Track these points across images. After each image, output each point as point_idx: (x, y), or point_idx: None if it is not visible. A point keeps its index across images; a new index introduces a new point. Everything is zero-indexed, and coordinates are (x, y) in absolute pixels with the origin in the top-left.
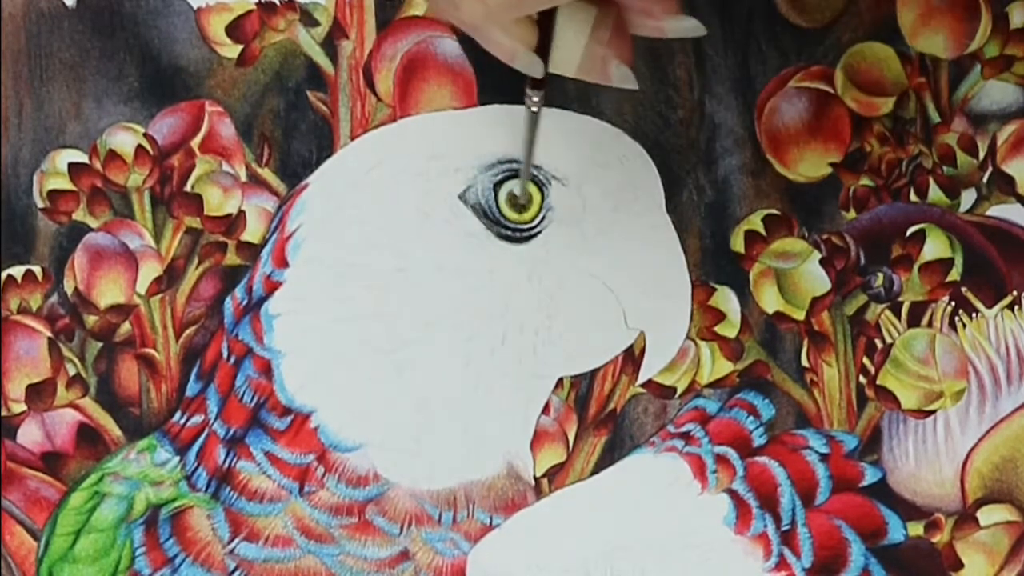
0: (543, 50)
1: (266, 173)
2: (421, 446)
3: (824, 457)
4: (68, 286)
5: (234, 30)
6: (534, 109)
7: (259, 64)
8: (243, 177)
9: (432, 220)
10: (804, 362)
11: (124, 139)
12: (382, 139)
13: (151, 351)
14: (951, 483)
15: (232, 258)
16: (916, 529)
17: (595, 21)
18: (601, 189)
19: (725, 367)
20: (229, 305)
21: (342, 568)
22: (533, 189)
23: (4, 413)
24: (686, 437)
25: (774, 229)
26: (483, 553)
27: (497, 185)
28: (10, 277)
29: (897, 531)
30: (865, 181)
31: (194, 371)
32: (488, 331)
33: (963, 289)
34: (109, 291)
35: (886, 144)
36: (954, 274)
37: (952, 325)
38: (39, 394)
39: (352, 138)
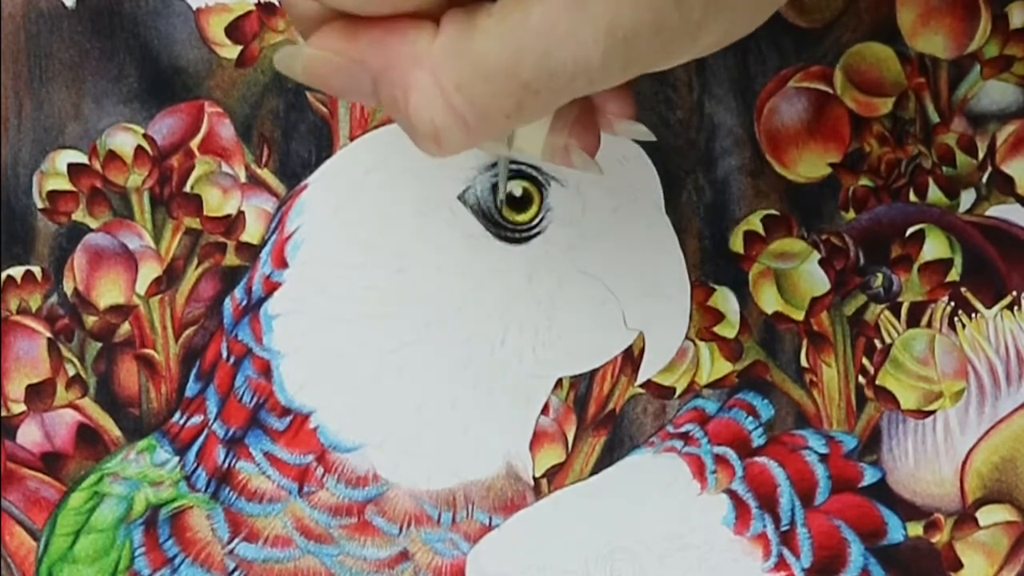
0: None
1: (265, 174)
2: (420, 446)
3: (823, 457)
4: (68, 286)
5: (234, 31)
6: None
7: (259, 65)
8: (242, 178)
9: (431, 221)
10: (803, 362)
11: (124, 140)
12: (381, 140)
13: (151, 351)
14: (950, 483)
15: (231, 259)
16: (915, 529)
17: (557, 113)
18: (601, 189)
19: (724, 367)
20: (228, 306)
21: (341, 568)
22: (533, 189)
23: (4, 413)
24: (685, 437)
25: (773, 229)
26: (482, 553)
27: (496, 186)
28: (9, 277)
29: (896, 531)
30: (864, 181)
31: (193, 371)
32: (487, 331)
33: (962, 289)
34: (108, 292)
35: (885, 144)
36: (953, 274)
37: (951, 325)
38: (39, 394)
39: (351, 139)
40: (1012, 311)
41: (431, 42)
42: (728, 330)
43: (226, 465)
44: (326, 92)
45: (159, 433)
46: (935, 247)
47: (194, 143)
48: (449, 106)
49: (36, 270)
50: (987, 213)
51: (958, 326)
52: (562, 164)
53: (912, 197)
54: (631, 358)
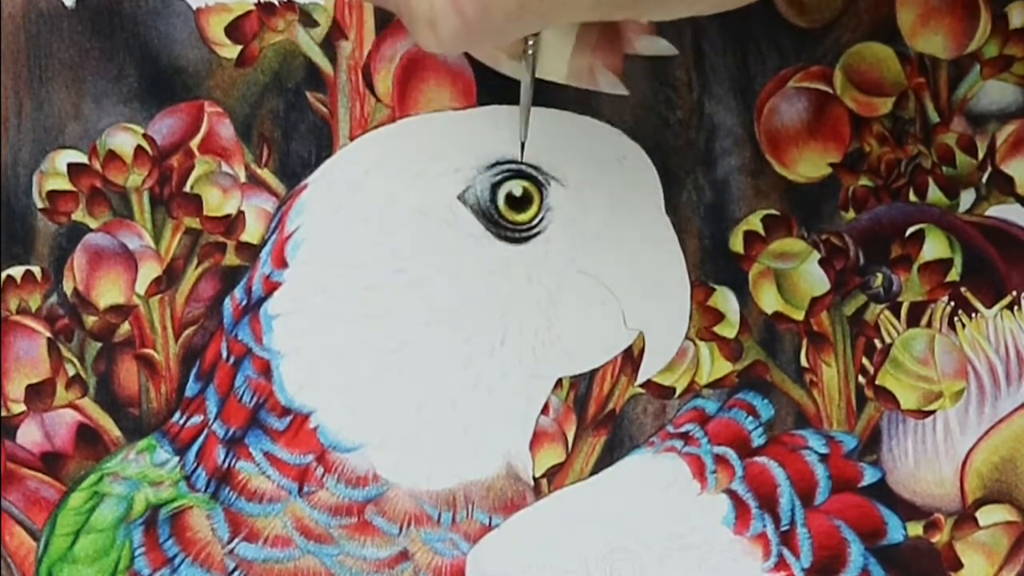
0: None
1: (265, 174)
2: (420, 446)
3: (823, 457)
4: (67, 286)
5: (233, 31)
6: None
7: (258, 65)
8: (242, 178)
9: (431, 220)
10: (803, 362)
11: (123, 139)
12: (381, 140)
13: (150, 351)
14: (950, 483)
15: (231, 258)
16: (915, 529)
17: (579, 32)
18: (601, 189)
19: (724, 367)
20: (228, 305)
21: (341, 568)
22: (533, 189)
23: (4, 413)
24: (685, 437)
25: (773, 229)
26: (482, 553)
27: (496, 186)
28: (9, 277)
29: (896, 531)
30: (864, 181)
31: (193, 371)
32: (487, 331)
33: (962, 289)
34: (108, 291)
35: (885, 144)
36: (953, 274)
37: (951, 325)
38: (38, 394)
39: (351, 139)
40: (1012, 311)
41: None
42: (728, 330)
43: (226, 465)
44: None
45: (159, 433)
46: (935, 247)
47: (194, 143)
48: None
49: (36, 270)
50: (987, 213)
51: (958, 326)
52: (588, 86)
53: (912, 197)
54: (631, 358)
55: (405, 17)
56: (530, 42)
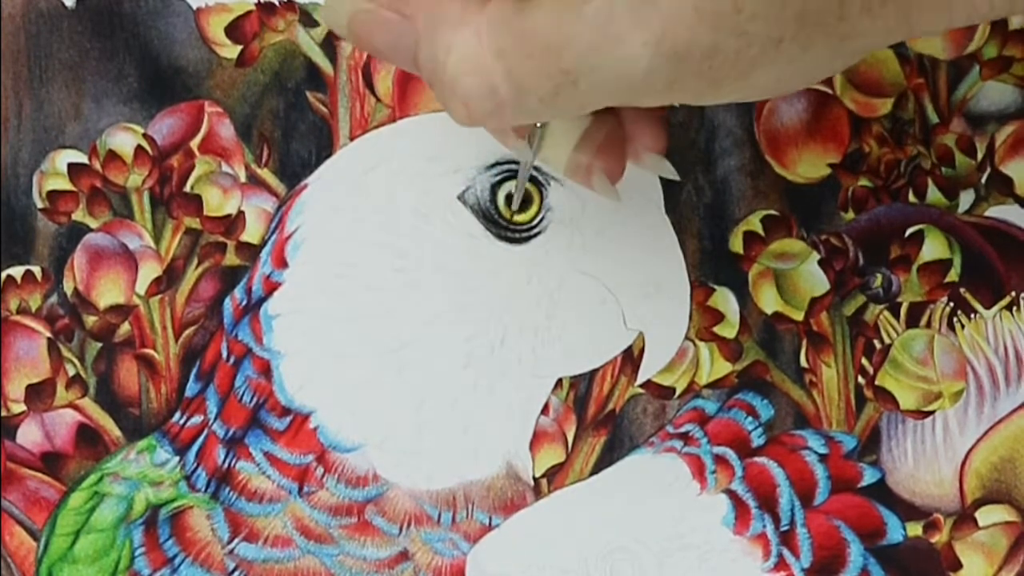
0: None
1: (265, 174)
2: (420, 446)
3: (823, 457)
4: (67, 286)
5: (233, 31)
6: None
7: (258, 65)
8: (242, 178)
9: (431, 221)
10: (803, 363)
11: (124, 139)
12: (381, 140)
13: (151, 351)
14: (950, 483)
15: (231, 259)
16: (915, 529)
17: (588, 128)
18: None
19: (724, 368)
20: (228, 305)
21: (341, 568)
22: (532, 189)
23: (4, 413)
24: (685, 437)
25: (773, 230)
26: (482, 553)
27: (496, 186)
28: (9, 277)
29: (896, 531)
30: (864, 182)
31: (193, 371)
32: (487, 331)
33: (961, 290)
34: (108, 291)
35: (885, 145)
36: (952, 275)
37: (951, 326)
38: (38, 394)
39: (351, 139)
40: (1011, 312)
41: (483, 6)
42: (728, 330)
43: (226, 465)
44: (364, 50)
45: (159, 433)
46: (934, 248)
47: (194, 143)
48: (486, 72)
49: (36, 270)
50: (986, 214)
51: (957, 326)
52: (582, 183)
53: (911, 198)
54: (631, 358)
55: (437, 90)
56: (539, 125)
